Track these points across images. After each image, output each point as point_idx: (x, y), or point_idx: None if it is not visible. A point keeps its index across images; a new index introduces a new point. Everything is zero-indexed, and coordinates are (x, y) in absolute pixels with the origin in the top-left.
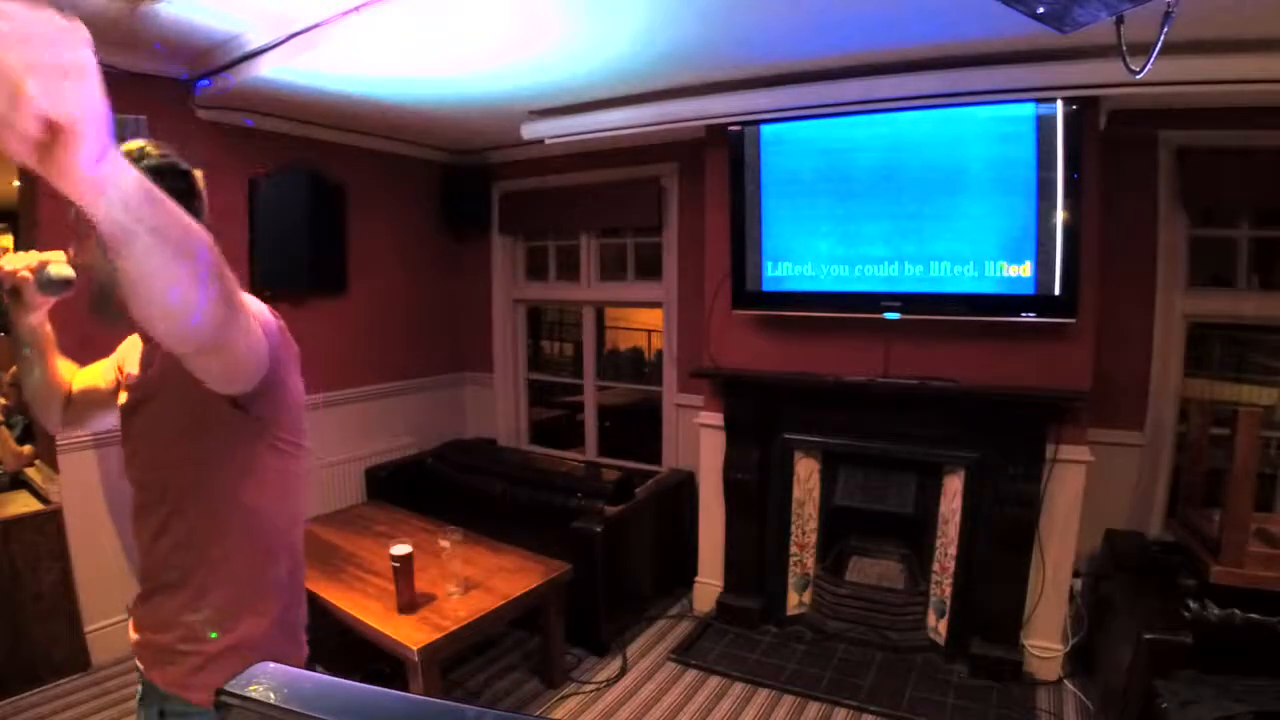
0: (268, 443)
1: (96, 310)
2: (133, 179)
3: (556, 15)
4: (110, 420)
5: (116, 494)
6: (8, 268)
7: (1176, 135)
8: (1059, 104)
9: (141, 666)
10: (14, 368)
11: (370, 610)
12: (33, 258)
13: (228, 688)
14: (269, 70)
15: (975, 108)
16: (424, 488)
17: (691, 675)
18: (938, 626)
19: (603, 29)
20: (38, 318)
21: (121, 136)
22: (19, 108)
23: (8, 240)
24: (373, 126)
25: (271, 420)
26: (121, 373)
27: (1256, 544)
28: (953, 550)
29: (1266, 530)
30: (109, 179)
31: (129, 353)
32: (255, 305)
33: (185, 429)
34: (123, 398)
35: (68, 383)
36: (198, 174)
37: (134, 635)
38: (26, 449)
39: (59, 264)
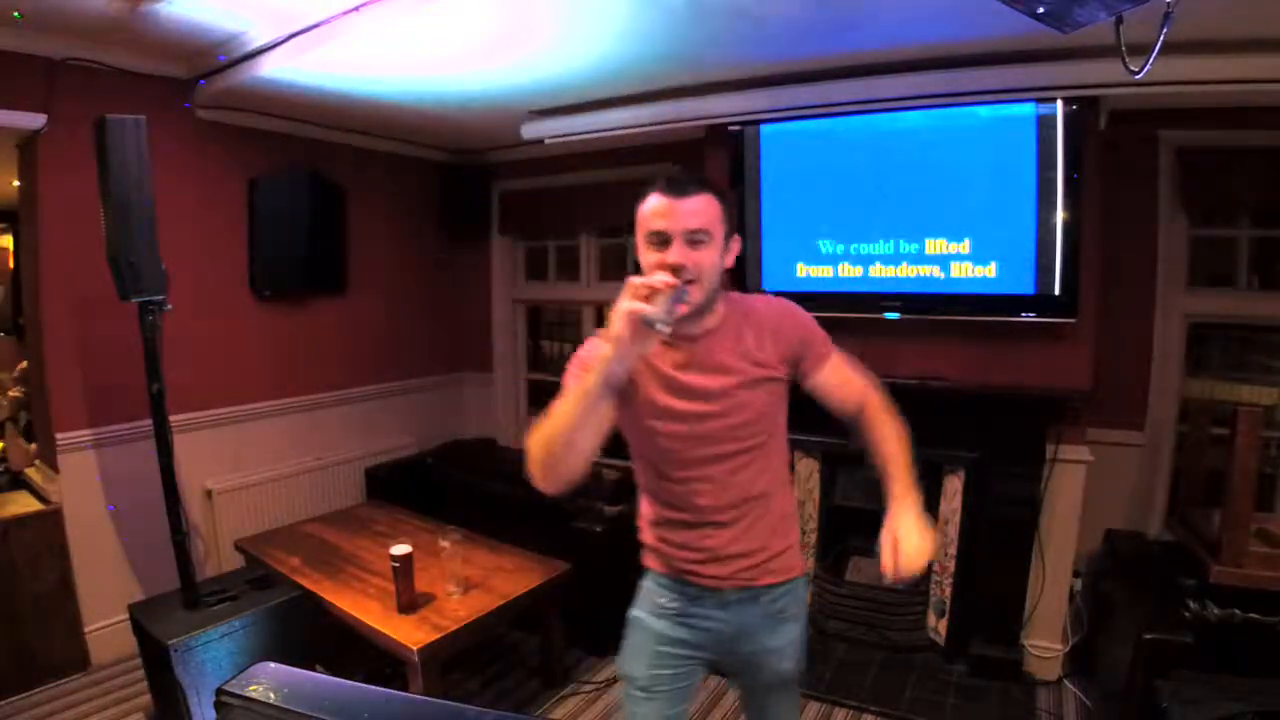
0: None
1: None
2: None
3: (545, 11)
4: None
5: (116, 494)
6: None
7: (1176, 135)
8: (1059, 104)
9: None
10: (23, 363)
11: (370, 610)
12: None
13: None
14: (269, 69)
15: (975, 108)
16: (424, 488)
17: None
18: (938, 626)
19: (591, 26)
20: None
21: (120, 136)
22: None
23: (7, 240)
24: (373, 126)
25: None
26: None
27: (1256, 544)
28: (953, 550)
29: (1266, 530)
30: None
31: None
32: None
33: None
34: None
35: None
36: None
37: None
38: (30, 446)
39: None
